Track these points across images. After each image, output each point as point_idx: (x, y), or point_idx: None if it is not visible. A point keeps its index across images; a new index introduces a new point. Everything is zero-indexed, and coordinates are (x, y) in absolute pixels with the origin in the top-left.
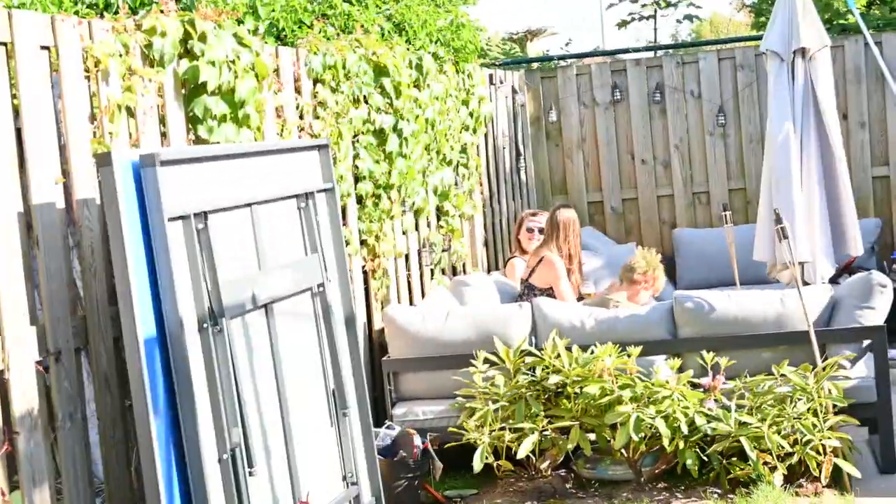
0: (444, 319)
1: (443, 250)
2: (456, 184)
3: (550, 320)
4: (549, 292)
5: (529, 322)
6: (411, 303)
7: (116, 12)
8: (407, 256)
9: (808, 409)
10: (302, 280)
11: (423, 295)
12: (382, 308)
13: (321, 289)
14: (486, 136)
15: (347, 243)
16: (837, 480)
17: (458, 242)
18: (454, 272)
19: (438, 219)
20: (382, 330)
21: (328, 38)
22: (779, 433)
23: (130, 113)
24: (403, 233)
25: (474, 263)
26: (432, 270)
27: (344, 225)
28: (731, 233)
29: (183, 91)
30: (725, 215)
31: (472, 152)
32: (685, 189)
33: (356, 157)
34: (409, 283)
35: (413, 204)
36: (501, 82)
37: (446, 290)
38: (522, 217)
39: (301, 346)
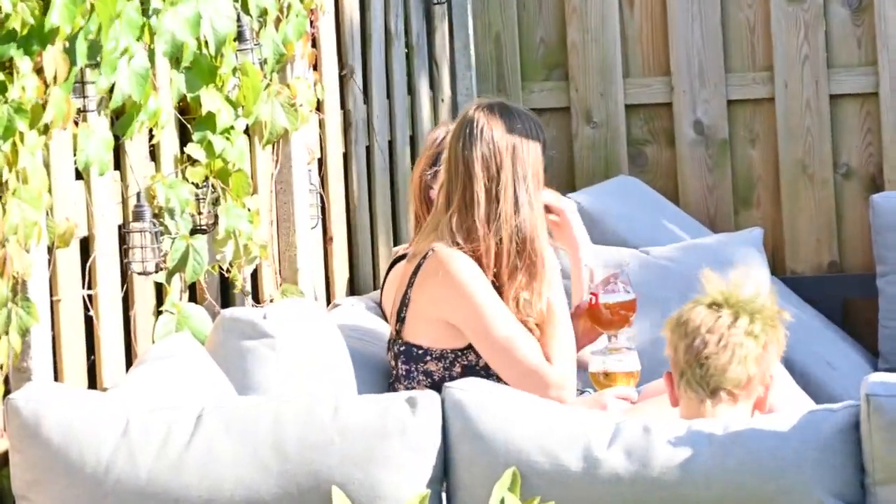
0: (186, 435)
1: (195, 230)
2: (240, 38)
3: (492, 443)
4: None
5: (436, 447)
6: (96, 383)
7: None
8: (85, 244)
9: None
10: None
11: (130, 358)
12: (6, 394)
13: None
14: None
15: None
16: None
17: (240, 207)
18: (226, 297)
19: (184, 140)
20: (6, 460)
21: None
22: None
23: None
24: (80, 176)
25: (287, 275)
26: (161, 287)
27: None
28: None
29: None
30: None
31: None
32: None
33: None
34: (90, 320)
35: (109, 94)
36: None
37: (197, 346)
38: (436, 143)
39: None
